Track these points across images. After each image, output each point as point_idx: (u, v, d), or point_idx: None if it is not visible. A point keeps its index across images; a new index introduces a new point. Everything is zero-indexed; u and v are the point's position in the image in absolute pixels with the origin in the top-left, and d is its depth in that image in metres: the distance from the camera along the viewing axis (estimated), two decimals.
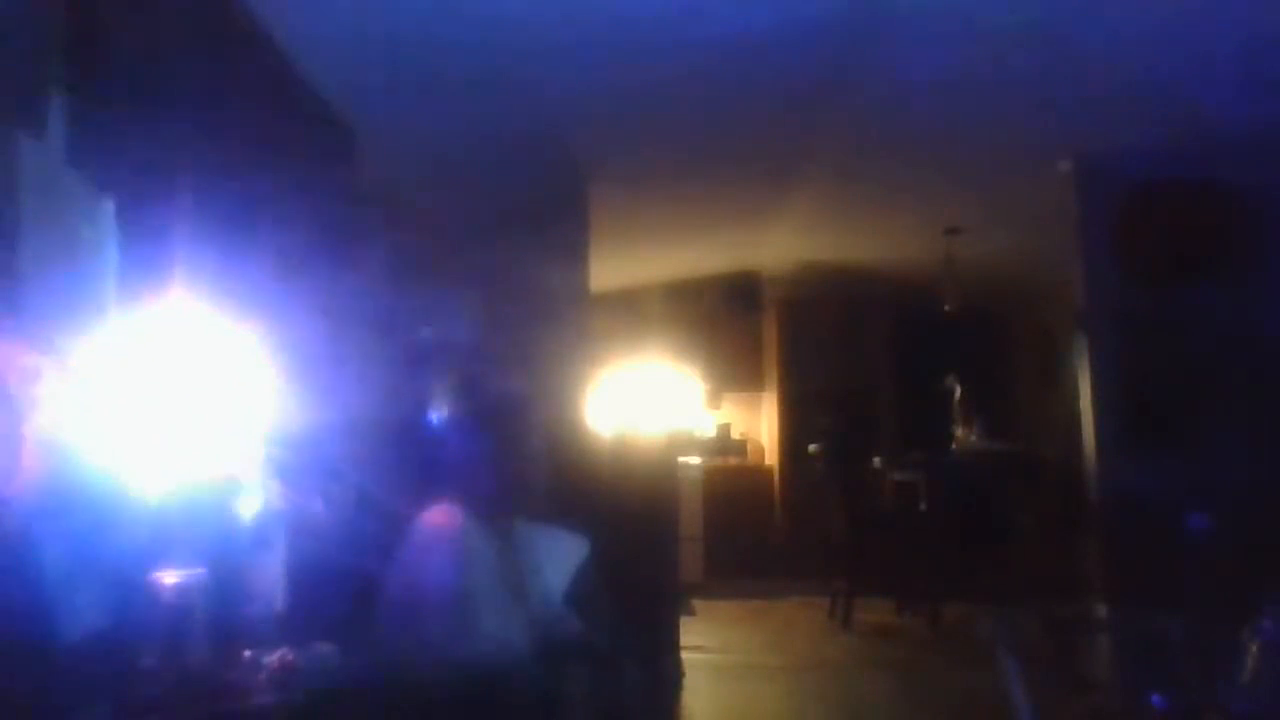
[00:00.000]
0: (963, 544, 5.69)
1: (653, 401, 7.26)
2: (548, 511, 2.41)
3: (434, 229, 4.26)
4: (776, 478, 7.32)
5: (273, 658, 1.68)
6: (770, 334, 7.54)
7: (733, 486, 7.20)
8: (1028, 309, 7.29)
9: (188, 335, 1.80)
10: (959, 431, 6.23)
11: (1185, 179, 4.41)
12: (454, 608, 1.94)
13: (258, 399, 1.95)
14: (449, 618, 1.92)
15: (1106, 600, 4.36)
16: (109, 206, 1.72)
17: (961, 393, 6.27)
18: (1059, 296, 5.36)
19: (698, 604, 5.94)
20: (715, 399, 7.62)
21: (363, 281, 2.91)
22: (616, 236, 5.27)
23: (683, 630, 4.07)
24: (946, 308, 6.16)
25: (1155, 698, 1.73)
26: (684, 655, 4.07)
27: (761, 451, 7.63)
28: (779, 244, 6.45)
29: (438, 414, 2.73)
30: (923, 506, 5.80)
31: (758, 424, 7.75)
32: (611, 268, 5.90)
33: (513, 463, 2.37)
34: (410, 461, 2.36)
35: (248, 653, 1.68)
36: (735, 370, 7.60)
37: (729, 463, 7.41)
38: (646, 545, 3.48)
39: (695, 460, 7.07)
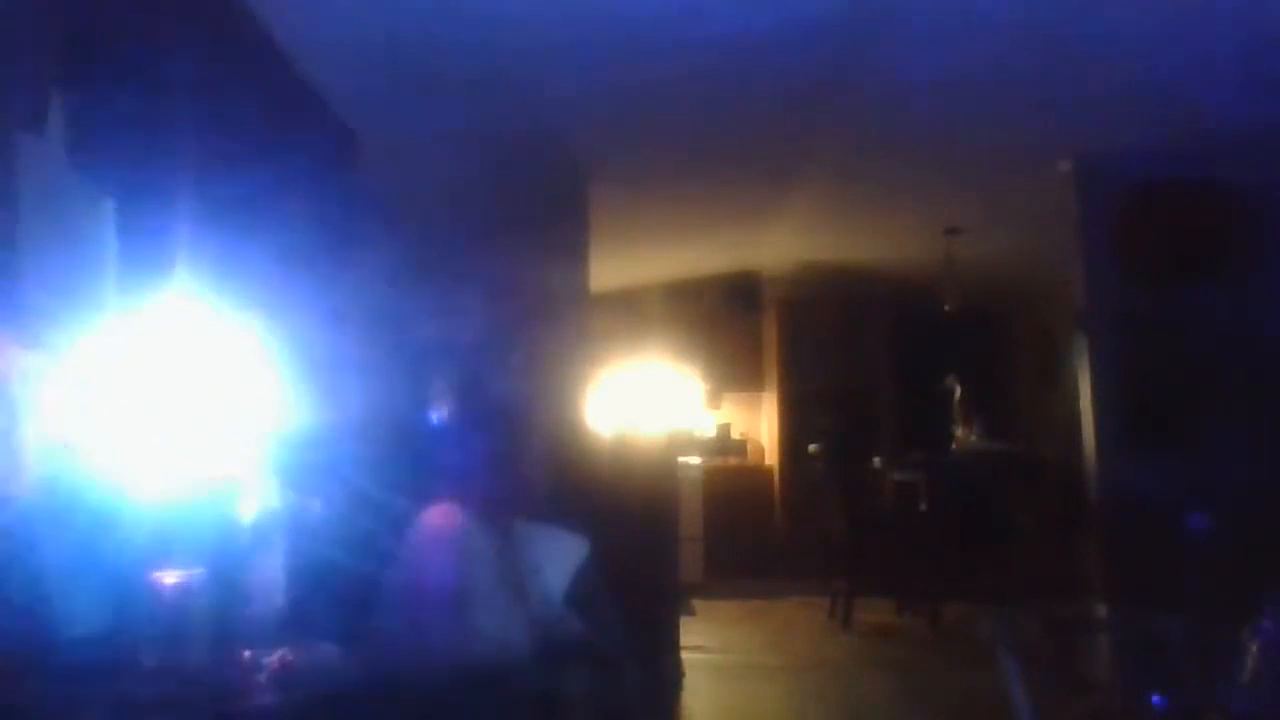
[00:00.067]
0: (963, 544, 5.69)
1: (653, 401, 7.26)
2: (548, 511, 2.40)
3: (434, 229, 4.26)
4: (776, 478, 7.32)
5: (273, 658, 1.68)
6: (770, 334, 7.54)
7: (733, 486, 7.20)
8: (1028, 309, 7.29)
9: (187, 335, 1.80)
10: (959, 431, 6.23)
11: (1185, 179, 4.41)
12: (454, 608, 1.94)
13: (258, 399, 1.95)
14: (449, 618, 1.92)
15: (1106, 600, 4.36)
16: (109, 206, 1.72)
17: (961, 393, 6.27)
18: (1059, 296, 5.36)
19: (698, 604, 5.94)
20: (715, 399, 7.62)
21: (362, 281, 2.91)
22: (616, 236, 5.27)
23: (683, 630, 4.07)
24: (946, 308, 6.16)
25: (1155, 698, 1.73)
26: (684, 655, 4.07)
27: (761, 451, 7.63)
28: (779, 244, 6.45)
29: (438, 414, 2.72)
30: (923, 506, 5.81)
31: (758, 424, 7.75)
32: (611, 268, 5.90)
33: (513, 463, 2.37)
34: (410, 461, 2.36)
35: (248, 653, 1.68)
36: (735, 370, 7.60)
37: (729, 463, 7.41)
38: (646, 545, 3.47)
39: (695, 460, 7.07)
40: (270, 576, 1.83)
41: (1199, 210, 4.38)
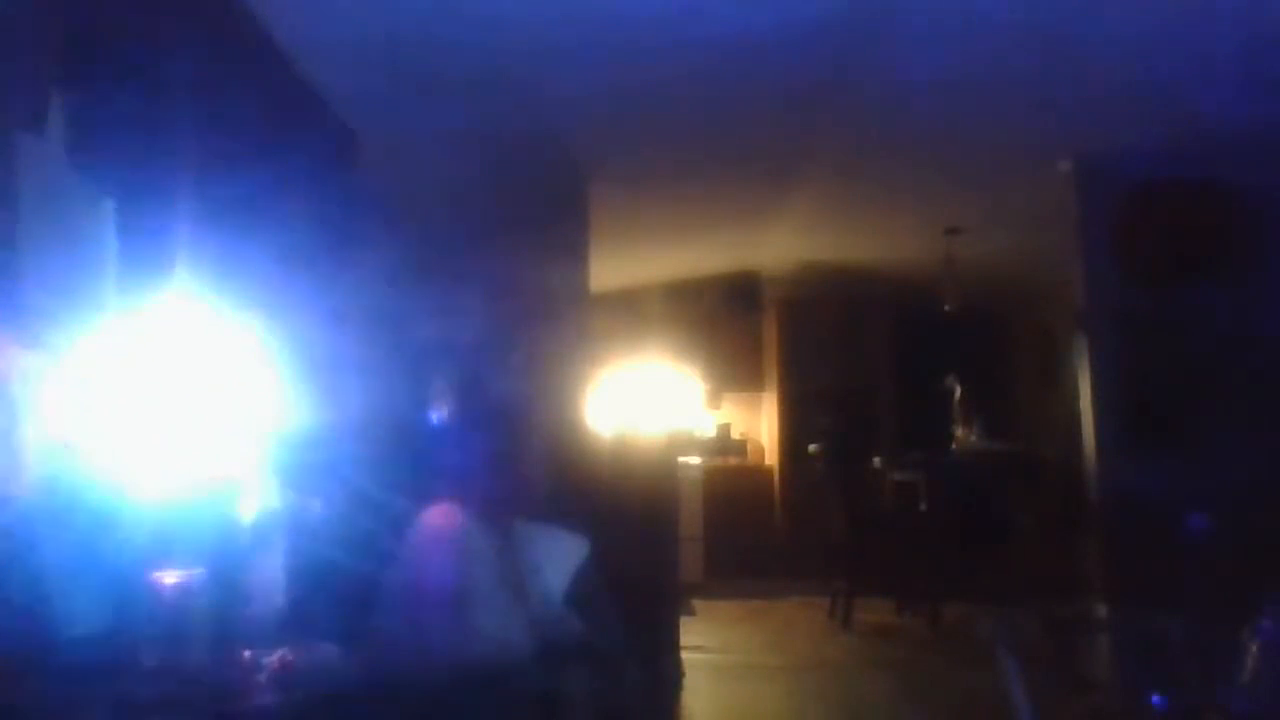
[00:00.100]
0: (963, 544, 5.69)
1: (653, 401, 7.26)
2: (548, 511, 2.40)
3: (434, 229, 4.26)
4: (776, 478, 7.32)
5: (273, 658, 1.68)
6: (770, 334, 7.54)
7: (733, 486, 7.20)
8: (1028, 309, 7.29)
9: (187, 335, 1.80)
10: (959, 431, 6.23)
11: (1185, 179, 4.41)
12: (454, 608, 1.94)
13: (258, 399, 1.95)
14: (449, 618, 1.92)
15: (1106, 600, 4.36)
16: (109, 206, 1.72)
17: (961, 393, 6.27)
18: (1059, 296, 5.36)
19: (698, 604, 5.94)
20: (715, 399, 7.62)
21: (362, 281, 2.91)
22: (616, 236, 5.27)
23: (683, 630, 4.07)
24: (946, 308, 6.16)
25: (1155, 698, 1.73)
26: (684, 655, 4.07)
27: (761, 451, 7.63)
28: (779, 244, 6.45)
29: (438, 414, 2.73)
30: (923, 506, 5.81)
31: (758, 424, 7.75)
32: (611, 268, 5.90)
33: (512, 463, 2.37)
34: (410, 461, 2.36)
35: (248, 653, 1.68)
36: (735, 370, 7.60)
37: (729, 463, 7.41)
38: (646, 545, 3.47)
39: (695, 460, 7.07)
40: (270, 576, 1.83)
41: (1199, 210, 4.38)
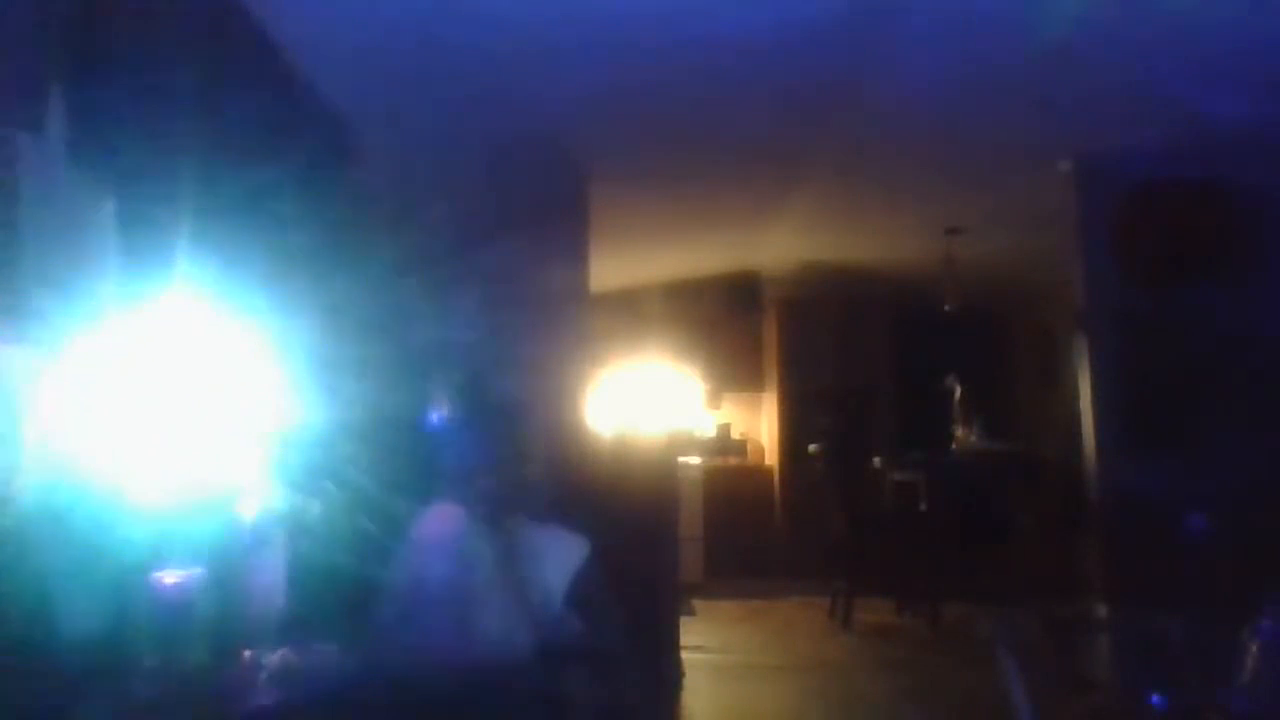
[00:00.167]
0: (963, 544, 5.69)
1: (653, 401, 7.26)
2: (548, 511, 2.40)
3: (434, 229, 4.26)
4: (776, 478, 7.32)
5: (273, 658, 1.68)
6: (770, 334, 7.55)
7: (733, 486, 7.20)
8: (1028, 309, 7.29)
9: (187, 335, 1.80)
10: (959, 431, 6.23)
11: (1185, 179, 4.41)
12: (454, 608, 1.94)
13: (258, 399, 1.95)
14: (449, 618, 1.92)
15: (1106, 600, 4.36)
16: (109, 206, 1.72)
17: (961, 393, 6.27)
18: (1059, 296, 5.37)
19: (698, 604, 5.94)
20: (715, 399, 7.62)
21: (362, 282, 2.91)
22: (616, 236, 5.27)
23: (683, 630, 4.07)
24: (946, 308, 6.16)
25: (1155, 698, 1.73)
26: (684, 655, 4.08)
27: (761, 451, 7.63)
28: (779, 244, 6.45)
29: (437, 414, 2.73)
30: (923, 506, 5.81)
31: (758, 424, 7.75)
32: (611, 268, 5.90)
33: (513, 463, 2.37)
34: (410, 462, 2.36)
35: (248, 653, 1.68)
36: (735, 370, 7.60)
37: (729, 463, 7.41)
38: (646, 545, 3.47)
39: (695, 460, 7.07)
40: (270, 576, 1.83)
41: (1199, 210, 4.38)
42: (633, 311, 7.42)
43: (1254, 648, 1.65)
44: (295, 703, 1.58)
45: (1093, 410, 4.51)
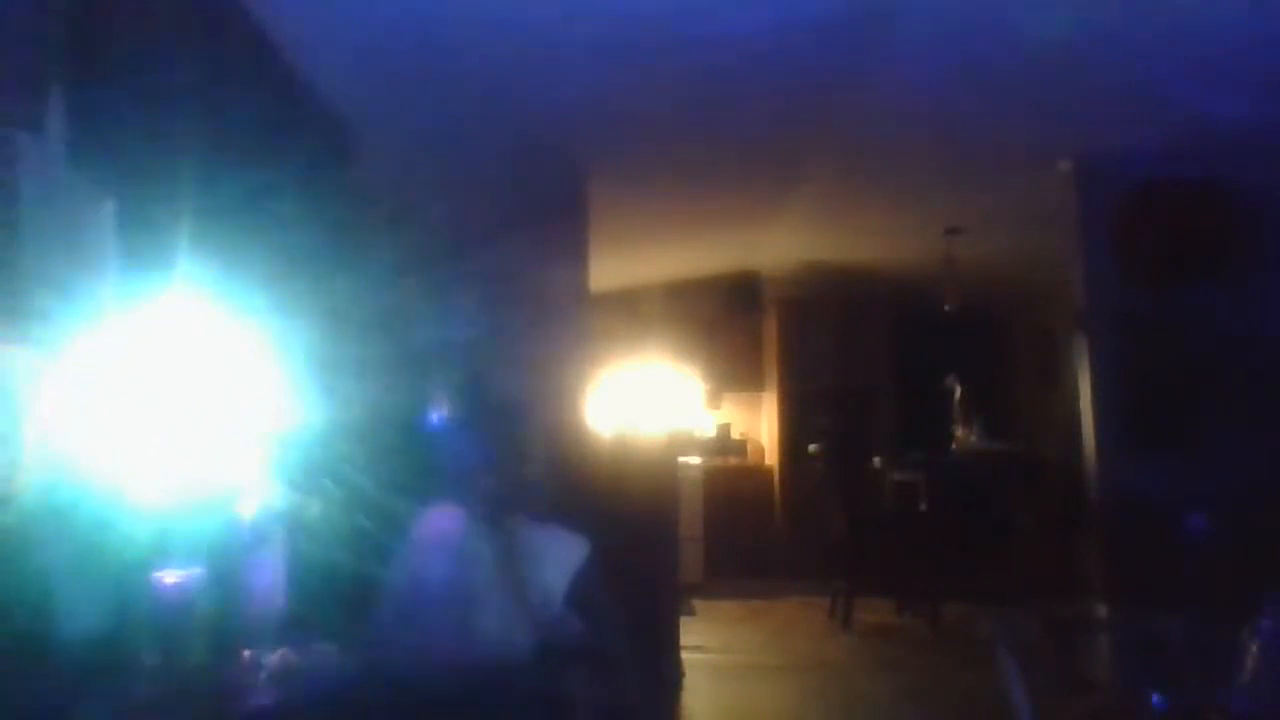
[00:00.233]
0: (963, 544, 5.69)
1: (653, 401, 7.26)
2: (548, 511, 2.40)
3: (434, 229, 4.26)
4: (776, 478, 7.32)
5: (273, 658, 1.68)
6: (770, 334, 7.55)
7: (733, 486, 7.20)
8: (1028, 309, 7.29)
9: (187, 335, 1.80)
10: (959, 431, 6.23)
11: (1185, 179, 4.41)
12: (454, 608, 1.94)
13: (258, 398, 1.96)
14: (449, 618, 1.92)
15: (1106, 600, 4.36)
16: (109, 206, 1.72)
17: (961, 393, 6.27)
18: (1059, 296, 5.37)
19: (698, 604, 5.95)
20: (715, 399, 7.62)
21: (362, 282, 2.91)
22: (616, 236, 5.27)
23: (683, 630, 4.07)
24: (946, 308, 6.16)
25: (1155, 698, 1.73)
26: (684, 655, 4.08)
27: (761, 451, 7.63)
28: (779, 244, 6.45)
29: (438, 414, 2.73)
30: (923, 506, 5.81)
31: (758, 424, 7.75)
32: (611, 268, 5.90)
33: (513, 463, 2.37)
34: (410, 462, 2.36)
35: (248, 653, 1.68)
36: (735, 370, 7.60)
37: (729, 463, 7.41)
38: (646, 545, 3.47)
39: (695, 460, 7.07)
40: (270, 576, 1.83)
41: (1199, 210, 4.38)
42: (633, 311, 7.42)
43: (1254, 648, 1.65)
44: (295, 703, 1.58)
45: (1093, 410, 4.51)
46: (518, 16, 2.82)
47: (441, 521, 2.06)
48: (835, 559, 5.72)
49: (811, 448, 6.18)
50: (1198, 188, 4.39)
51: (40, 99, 1.59)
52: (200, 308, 1.84)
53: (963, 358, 6.58)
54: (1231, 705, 1.66)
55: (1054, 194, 4.67)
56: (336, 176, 3.05)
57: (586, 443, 4.28)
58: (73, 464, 1.52)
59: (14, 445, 1.44)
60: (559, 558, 2.27)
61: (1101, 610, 4.29)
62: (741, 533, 7.03)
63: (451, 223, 4.31)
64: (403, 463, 2.23)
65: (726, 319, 7.59)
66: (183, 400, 1.75)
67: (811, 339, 7.36)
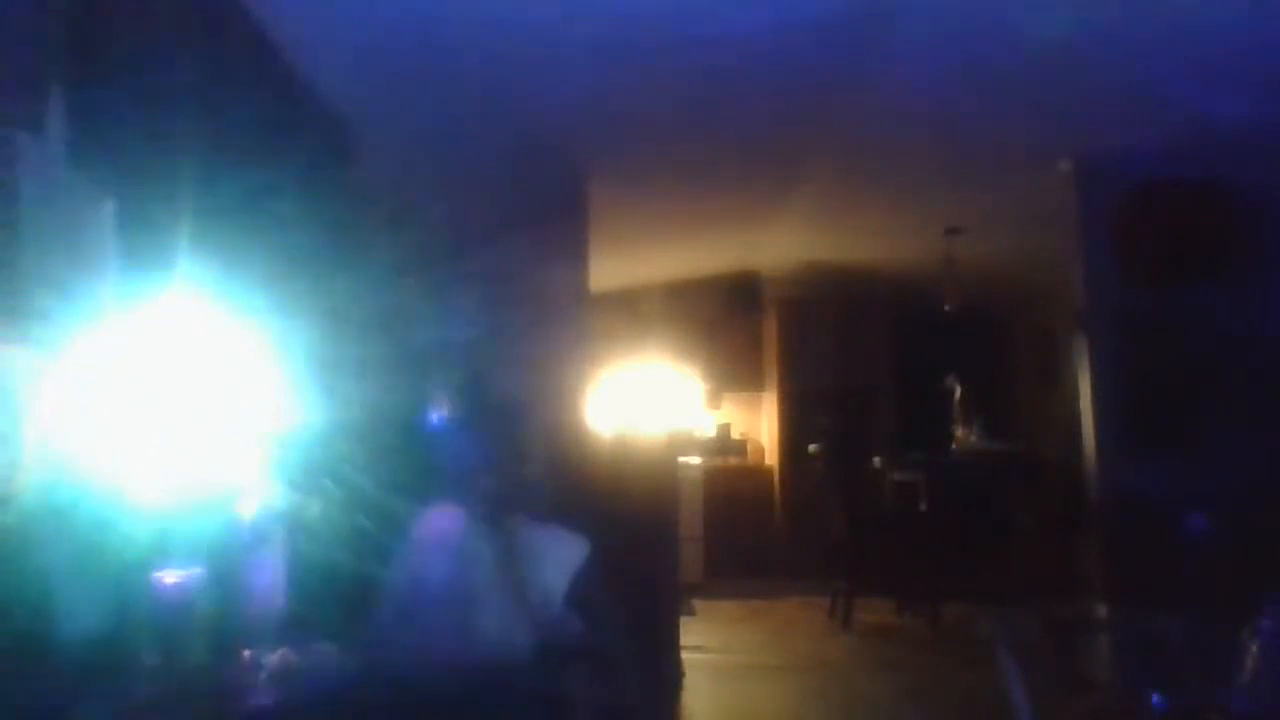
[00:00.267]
0: (963, 544, 5.69)
1: (653, 401, 7.26)
2: (548, 511, 2.40)
3: (434, 229, 4.26)
4: (776, 478, 7.32)
5: (273, 658, 1.68)
6: (770, 334, 7.55)
7: (733, 486, 7.20)
8: (1028, 309, 7.29)
9: (188, 335, 1.80)
10: (959, 431, 6.23)
11: (1185, 179, 4.41)
12: (454, 608, 1.94)
13: (258, 399, 1.96)
14: (449, 618, 1.92)
15: (1106, 600, 4.36)
16: (109, 206, 1.72)
17: (961, 393, 6.27)
18: (1059, 296, 5.37)
19: (698, 604, 5.95)
20: (715, 399, 7.62)
21: (362, 281, 2.91)
22: (616, 236, 5.27)
23: (683, 630, 4.07)
24: (946, 308, 6.16)
25: (1155, 698, 1.73)
26: (684, 655, 4.08)
27: (761, 451, 7.63)
28: (779, 244, 6.45)
29: (438, 414, 2.73)
30: (923, 506, 5.81)
31: (758, 424, 7.75)
32: (611, 268, 5.90)
33: (513, 463, 2.37)
34: (410, 462, 2.35)
35: (248, 653, 1.68)
36: (735, 370, 7.60)
37: (729, 463, 7.41)
38: (646, 545, 3.48)
39: (695, 460, 7.07)
40: (270, 576, 1.83)
41: (1199, 210, 4.38)
42: (633, 311, 7.42)
43: (1254, 648, 1.65)
44: (295, 703, 1.58)
45: (1093, 410, 4.51)
46: (518, 16, 2.82)
47: (441, 521, 2.06)
48: (835, 559, 5.72)
49: (811, 448, 6.18)
50: (1198, 188, 4.39)
51: (40, 99, 1.59)
52: (200, 308, 1.84)
53: (963, 358, 6.58)
54: (1231, 705, 1.66)
55: (1054, 194, 4.67)
56: (336, 176, 3.05)
57: (586, 443, 4.28)
58: (73, 464, 1.52)
59: (14, 445, 1.44)
60: (559, 558, 2.27)
61: (1101, 610, 4.29)
62: (741, 533, 7.03)
63: (451, 223, 4.31)
64: (403, 463, 2.23)
65: (726, 319, 7.59)
66: (183, 400, 1.75)
67: (811, 339, 7.36)
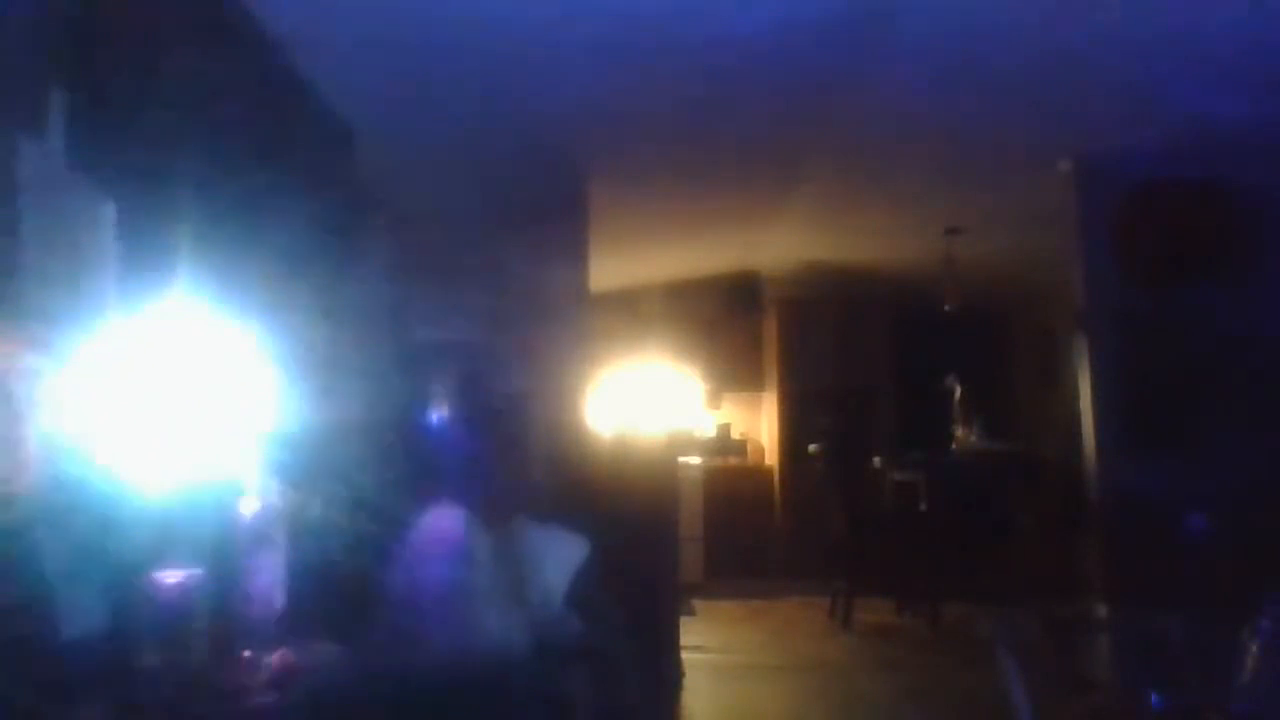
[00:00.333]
0: (963, 544, 5.69)
1: (653, 401, 7.26)
2: (548, 511, 2.41)
3: (434, 229, 4.26)
4: (776, 478, 7.32)
5: (273, 658, 1.68)
6: (770, 334, 7.55)
7: (733, 486, 7.20)
8: (1028, 309, 7.29)
9: (188, 335, 1.80)
10: (959, 431, 6.23)
11: (1185, 179, 4.41)
12: (454, 608, 1.94)
13: (258, 399, 1.96)
14: (449, 618, 1.92)
15: (1106, 600, 4.36)
16: (109, 206, 1.72)
17: (961, 393, 6.27)
18: (1059, 296, 5.37)
19: (698, 604, 5.95)
20: (715, 399, 7.62)
21: (363, 282, 2.91)
22: (616, 236, 5.27)
23: (683, 630, 4.07)
24: (946, 308, 6.16)
25: (1155, 698, 1.73)
26: (684, 655, 4.08)
27: (761, 451, 7.63)
28: (779, 244, 6.45)
29: (438, 414, 2.73)
30: (923, 506, 5.81)
31: (758, 424, 7.75)
32: (611, 268, 5.90)
33: (513, 463, 2.38)
34: (411, 462, 2.36)
35: (248, 653, 1.68)
36: (735, 370, 7.60)
37: (729, 463, 7.41)
38: (646, 545, 3.48)
39: (695, 460, 7.07)
40: (270, 576, 1.83)
41: (1199, 210, 4.38)
42: (633, 311, 7.42)
43: (1254, 648, 1.65)
44: (295, 703, 1.58)
45: (1093, 410, 4.51)
46: (518, 16, 2.82)
47: (441, 521, 2.06)
48: (835, 559, 5.72)
49: (811, 448, 6.18)
50: (1198, 188, 4.39)
51: (40, 99, 1.59)
52: (200, 308, 1.84)
53: (963, 358, 6.58)
54: (1231, 705, 1.66)
55: (1054, 194, 4.67)
56: (337, 177, 3.05)
57: (586, 443, 4.28)
58: (73, 464, 1.52)
59: (14, 445, 1.44)
60: (559, 558, 2.27)
61: (1101, 610, 4.29)
62: (741, 533, 7.03)
63: (452, 223, 4.31)
64: (403, 463, 2.23)
65: (726, 319, 7.59)
66: (183, 400, 1.75)
67: (811, 339, 7.36)
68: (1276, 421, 4.11)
